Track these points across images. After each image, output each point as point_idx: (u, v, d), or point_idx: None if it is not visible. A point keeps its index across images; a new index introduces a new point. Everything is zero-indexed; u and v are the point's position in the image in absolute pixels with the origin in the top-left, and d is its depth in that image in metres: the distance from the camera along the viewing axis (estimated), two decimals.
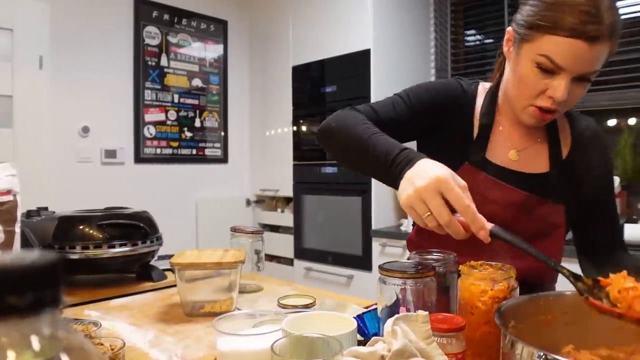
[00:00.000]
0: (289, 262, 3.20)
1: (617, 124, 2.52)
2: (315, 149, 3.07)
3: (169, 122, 3.21)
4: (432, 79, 3.08)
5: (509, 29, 0.94)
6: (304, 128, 3.15)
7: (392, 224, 2.81)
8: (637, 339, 0.61)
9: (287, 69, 3.21)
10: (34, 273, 0.21)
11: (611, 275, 0.63)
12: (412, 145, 0.96)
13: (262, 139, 3.50)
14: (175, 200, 3.20)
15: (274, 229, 3.39)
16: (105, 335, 0.79)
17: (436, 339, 0.61)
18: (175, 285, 1.09)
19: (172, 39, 3.21)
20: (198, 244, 3.28)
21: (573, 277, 0.64)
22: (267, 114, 3.46)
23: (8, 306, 0.21)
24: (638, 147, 2.42)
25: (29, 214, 1.32)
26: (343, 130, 0.92)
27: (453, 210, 0.71)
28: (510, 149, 1.01)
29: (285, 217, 3.30)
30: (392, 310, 0.71)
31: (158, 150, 3.16)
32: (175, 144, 3.25)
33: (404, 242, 1.25)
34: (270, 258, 3.28)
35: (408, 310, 0.70)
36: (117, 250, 1.24)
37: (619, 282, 0.62)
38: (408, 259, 0.87)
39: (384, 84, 2.74)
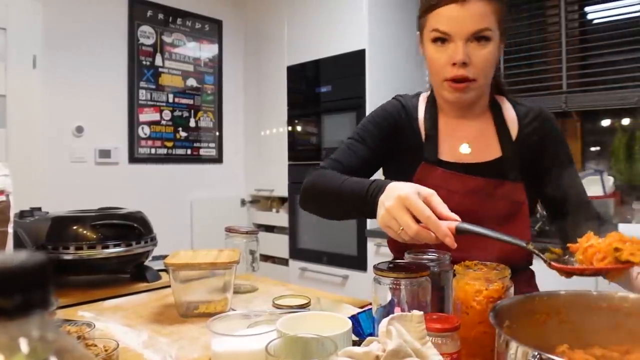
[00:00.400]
0: (284, 262, 3.20)
1: (610, 124, 2.53)
2: (310, 148, 3.07)
3: (163, 122, 3.20)
4: (427, 79, 3.08)
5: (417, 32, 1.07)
6: (299, 128, 3.15)
7: None
8: (631, 338, 0.62)
9: (282, 68, 3.20)
10: (22, 274, 0.21)
11: (578, 240, 0.69)
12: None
13: (257, 139, 3.50)
14: (170, 200, 3.19)
15: (269, 229, 3.39)
16: (99, 336, 0.79)
17: (431, 338, 0.61)
18: (169, 286, 1.08)
19: (166, 39, 3.20)
20: (193, 244, 3.27)
21: (539, 250, 0.71)
22: (262, 114, 3.46)
23: None
24: (632, 147, 2.43)
25: (22, 215, 1.31)
26: (319, 189, 1.01)
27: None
28: (461, 143, 1.07)
29: (280, 217, 3.30)
30: (387, 310, 0.71)
31: (152, 150, 3.15)
32: (169, 144, 3.24)
33: None
34: (265, 258, 3.28)
35: (403, 310, 0.70)
36: (111, 250, 1.24)
37: (582, 245, 0.67)
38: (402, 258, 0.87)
39: (379, 84, 2.75)
